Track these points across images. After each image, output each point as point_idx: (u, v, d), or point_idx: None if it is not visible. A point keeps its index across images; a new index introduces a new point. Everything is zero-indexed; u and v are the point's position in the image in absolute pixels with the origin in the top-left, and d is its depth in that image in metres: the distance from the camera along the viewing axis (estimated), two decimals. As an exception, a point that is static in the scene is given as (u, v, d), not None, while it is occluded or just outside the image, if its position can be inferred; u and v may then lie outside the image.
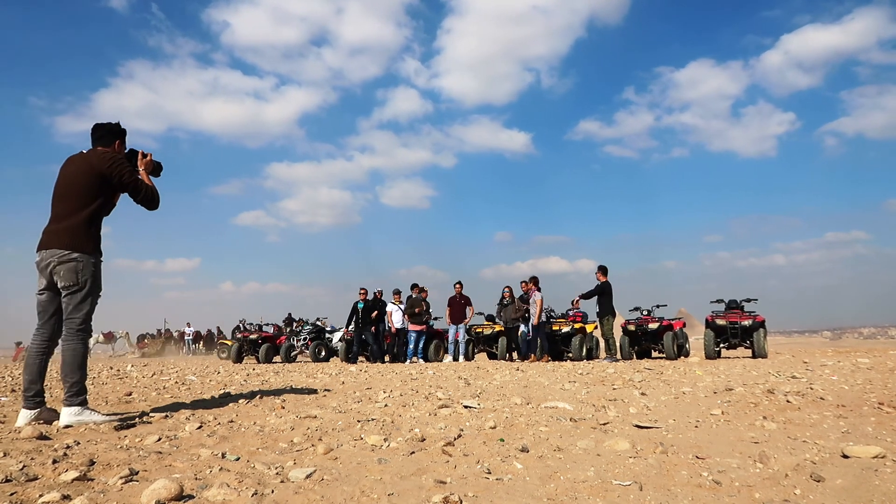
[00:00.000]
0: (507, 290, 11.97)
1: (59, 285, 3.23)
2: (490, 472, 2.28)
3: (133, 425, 3.17)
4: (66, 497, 1.87)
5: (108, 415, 3.33)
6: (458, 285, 12.19)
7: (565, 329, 11.33)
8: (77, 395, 3.20)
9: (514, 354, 12.05)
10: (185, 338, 26.69)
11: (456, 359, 11.62)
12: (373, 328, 11.93)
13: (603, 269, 10.93)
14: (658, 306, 11.63)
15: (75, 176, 3.30)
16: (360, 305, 12.11)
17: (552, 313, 12.32)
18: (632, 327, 11.31)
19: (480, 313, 12.84)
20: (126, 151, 3.55)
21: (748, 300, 11.53)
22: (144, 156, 3.56)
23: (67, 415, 3.14)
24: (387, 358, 12.24)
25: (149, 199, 3.45)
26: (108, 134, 3.48)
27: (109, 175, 3.30)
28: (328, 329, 13.93)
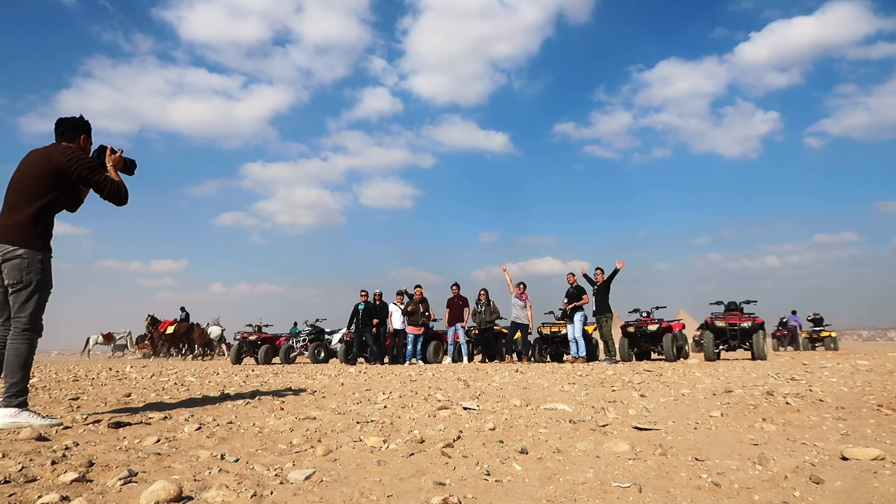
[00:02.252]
0: (483, 292, 12.09)
1: (4, 283, 3.14)
2: (489, 474, 2.28)
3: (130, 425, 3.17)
4: (64, 498, 1.87)
5: (46, 417, 3.18)
6: (455, 286, 12.22)
7: (564, 331, 11.33)
8: (16, 396, 3.08)
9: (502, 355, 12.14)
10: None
11: (457, 360, 11.62)
12: (374, 329, 11.96)
13: (601, 270, 10.98)
14: (657, 308, 11.64)
15: (31, 168, 3.22)
16: (361, 307, 12.13)
17: (552, 314, 12.35)
18: (631, 329, 11.31)
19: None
20: (96, 148, 3.50)
21: (747, 302, 11.53)
22: (114, 152, 3.49)
23: (2, 416, 3.03)
24: (386, 359, 12.25)
25: (114, 195, 3.37)
26: (73, 128, 3.41)
27: (68, 170, 3.21)
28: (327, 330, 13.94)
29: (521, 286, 11.60)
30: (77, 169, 3.24)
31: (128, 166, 3.60)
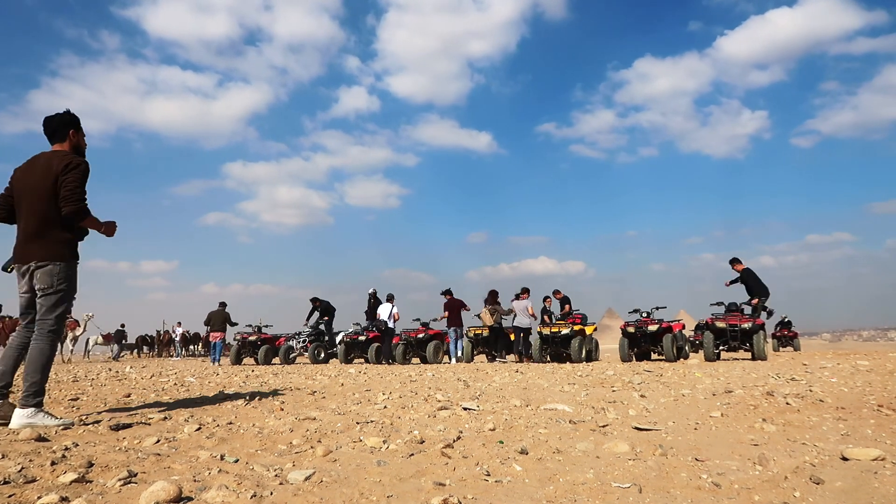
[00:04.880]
0: (492, 292, 12.37)
1: (35, 287, 3.25)
2: (489, 474, 2.28)
3: (131, 426, 3.17)
4: (64, 499, 1.86)
5: (61, 419, 3.19)
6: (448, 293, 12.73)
7: (564, 331, 11.35)
8: (34, 395, 3.12)
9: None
10: (175, 339, 26.12)
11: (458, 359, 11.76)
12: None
13: (736, 260, 11.34)
14: (657, 308, 11.65)
15: (40, 184, 3.22)
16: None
17: (552, 315, 12.40)
18: (631, 329, 11.32)
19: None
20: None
21: (748, 303, 11.53)
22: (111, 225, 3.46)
23: (19, 416, 3.06)
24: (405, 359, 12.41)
25: (75, 215, 3.24)
26: (61, 126, 3.36)
27: (58, 181, 3.19)
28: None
29: (525, 292, 11.83)
30: (66, 181, 3.18)
31: (84, 232, 3.48)
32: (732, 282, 11.36)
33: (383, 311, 12.44)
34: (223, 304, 15.27)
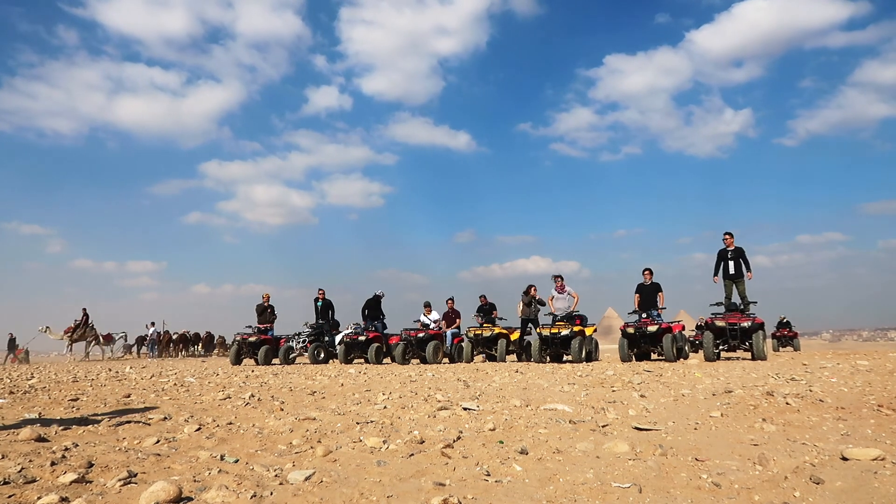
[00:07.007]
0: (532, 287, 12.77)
1: None
2: (489, 475, 2.28)
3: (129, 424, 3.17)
4: (64, 499, 1.86)
5: None
6: (450, 300, 13.09)
7: (564, 332, 11.35)
8: None
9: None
10: (149, 339, 25.85)
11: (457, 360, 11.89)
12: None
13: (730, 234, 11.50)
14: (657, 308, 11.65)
15: None
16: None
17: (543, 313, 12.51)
18: (630, 330, 11.33)
19: (479, 315, 13.04)
20: None
21: (748, 303, 11.54)
22: None
23: None
24: (386, 360, 12.37)
25: None
26: None
27: None
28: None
29: (559, 279, 12.10)
30: None
31: None
32: (727, 253, 11.45)
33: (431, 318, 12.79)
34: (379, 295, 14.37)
